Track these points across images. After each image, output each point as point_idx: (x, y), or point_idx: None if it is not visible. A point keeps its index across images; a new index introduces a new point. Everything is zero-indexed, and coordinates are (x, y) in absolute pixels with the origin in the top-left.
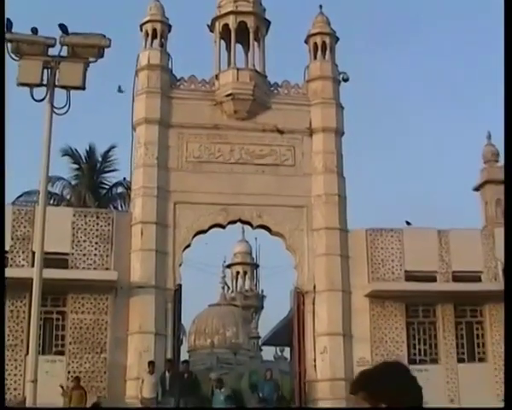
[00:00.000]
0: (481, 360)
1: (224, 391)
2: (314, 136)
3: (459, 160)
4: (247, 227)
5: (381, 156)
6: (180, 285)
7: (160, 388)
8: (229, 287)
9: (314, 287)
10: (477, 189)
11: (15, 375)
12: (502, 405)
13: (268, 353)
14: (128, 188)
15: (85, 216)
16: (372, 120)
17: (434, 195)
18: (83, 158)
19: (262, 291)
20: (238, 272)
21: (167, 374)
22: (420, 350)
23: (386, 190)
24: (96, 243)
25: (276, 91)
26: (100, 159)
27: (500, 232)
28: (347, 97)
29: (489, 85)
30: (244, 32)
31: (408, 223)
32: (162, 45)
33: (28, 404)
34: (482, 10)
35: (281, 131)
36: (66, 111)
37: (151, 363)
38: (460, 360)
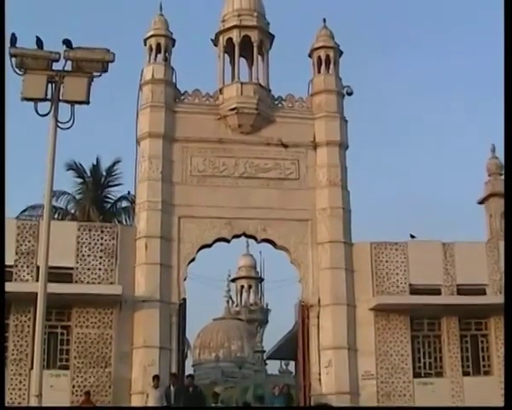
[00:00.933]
0: (486, 373)
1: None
2: (318, 149)
3: (463, 173)
4: (251, 241)
5: (385, 169)
6: (185, 299)
7: (165, 402)
8: (233, 301)
9: (319, 300)
10: (481, 202)
11: (20, 389)
12: None
13: (273, 366)
14: (132, 202)
15: (90, 230)
16: (376, 132)
17: (439, 208)
18: (87, 172)
19: (267, 305)
20: (243, 286)
21: (172, 388)
22: (425, 363)
23: (391, 203)
24: (101, 258)
25: (280, 105)
26: (104, 173)
27: None
28: (351, 110)
29: (494, 97)
30: (248, 46)
31: (412, 236)
32: (166, 59)
33: None
34: (485, 16)
35: (285, 145)
36: (71, 125)
37: (156, 377)
38: (465, 374)
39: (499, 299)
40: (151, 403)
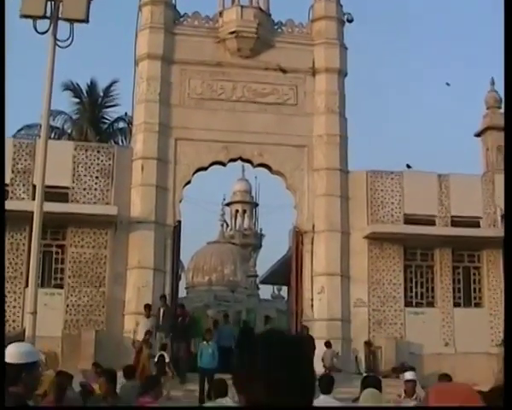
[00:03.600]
0: (477, 305)
1: (212, 345)
2: (317, 76)
3: (462, 105)
4: (247, 166)
5: (383, 99)
6: (179, 222)
7: (155, 323)
8: (228, 225)
9: (313, 227)
10: (478, 135)
11: (14, 307)
12: (496, 350)
13: (265, 291)
14: (129, 123)
15: (86, 150)
16: (375, 62)
17: (436, 139)
18: (84, 92)
19: (261, 230)
20: (237, 211)
21: (161, 310)
22: (417, 293)
23: (388, 133)
24: (97, 178)
25: (279, 30)
26: (101, 93)
27: (500, 179)
28: (351, 38)
29: (494, 30)
30: None
31: (408, 166)
32: None
33: (27, 336)
34: None
35: (284, 70)
36: (70, 44)
37: (147, 306)
38: (456, 305)
39: (493, 232)
40: (141, 332)
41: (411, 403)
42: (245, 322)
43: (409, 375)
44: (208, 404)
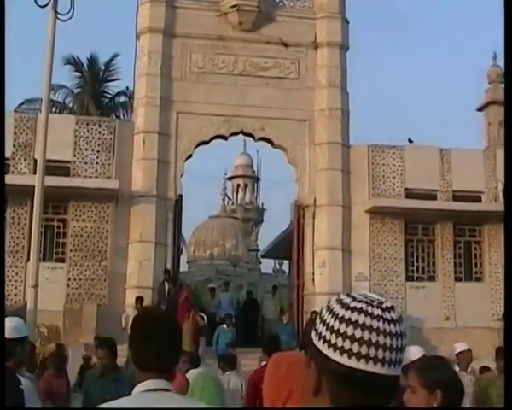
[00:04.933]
0: (478, 279)
1: (231, 330)
2: (319, 50)
3: (464, 80)
4: (248, 140)
5: (385, 73)
6: (181, 196)
7: (157, 298)
8: (229, 199)
9: (314, 201)
10: (480, 109)
11: (16, 281)
12: (497, 324)
13: (267, 265)
14: (131, 97)
15: (88, 124)
16: (378, 35)
17: (438, 113)
18: (85, 66)
19: (262, 204)
20: (239, 185)
21: (166, 285)
22: (418, 267)
23: (391, 107)
24: (98, 152)
25: (281, 4)
26: (102, 67)
27: (502, 153)
28: (353, 12)
29: (496, 3)
30: None
31: (410, 141)
32: None
33: (29, 309)
34: None
35: (285, 44)
36: (70, 17)
37: (139, 299)
38: (457, 279)
39: (494, 206)
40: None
41: (467, 377)
42: (249, 293)
43: (461, 346)
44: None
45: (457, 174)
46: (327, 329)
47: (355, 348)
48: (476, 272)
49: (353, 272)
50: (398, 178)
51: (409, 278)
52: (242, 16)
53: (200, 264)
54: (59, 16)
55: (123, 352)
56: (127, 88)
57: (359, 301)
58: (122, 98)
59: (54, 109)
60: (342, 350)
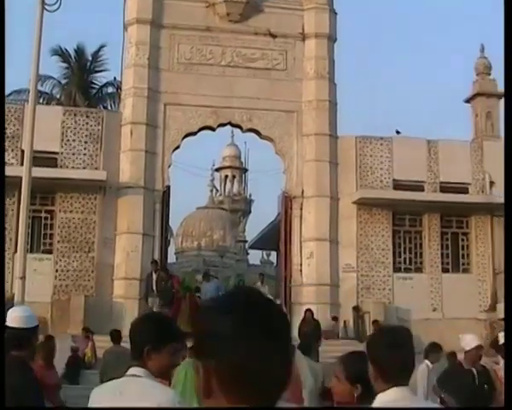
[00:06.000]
0: (465, 270)
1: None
2: (306, 41)
3: (452, 71)
4: (236, 132)
5: (373, 64)
6: (169, 187)
7: (145, 289)
8: (217, 190)
9: (302, 192)
10: (468, 101)
11: (3, 273)
12: (483, 316)
13: (254, 257)
14: (118, 88)
15: (75, 115)
16: (366, 26)
17: (426, 105)
18: (73, 57)
19: (250, 195)
20: (227, 176)
21: (154, 275)
22: (405, 259)
23: (378, 99)
24: (86, 143)
25: None
26: (90, 58)
27: (489, 145)
28: (341, 3)
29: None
30: None
31: (398, 132)
32: None
33: (16, 301)
34: None
35: (273, 35)
36: (58, 8)
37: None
38: (444, 270)
39: (481, 198)
40: None
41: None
42: (240, 281)
43: (470, 341)
44: None
45: (445, 166)
46: None
47: None
48: (463, 264)
49: (341, 264)
50: (386, 169)
51: (396, 270)
52: (230, 7)
53: (187, 255)
54: (46, 7)
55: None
56: (115, 79)
57: None
58: (110, 89)
59: (41, 100)
60: None
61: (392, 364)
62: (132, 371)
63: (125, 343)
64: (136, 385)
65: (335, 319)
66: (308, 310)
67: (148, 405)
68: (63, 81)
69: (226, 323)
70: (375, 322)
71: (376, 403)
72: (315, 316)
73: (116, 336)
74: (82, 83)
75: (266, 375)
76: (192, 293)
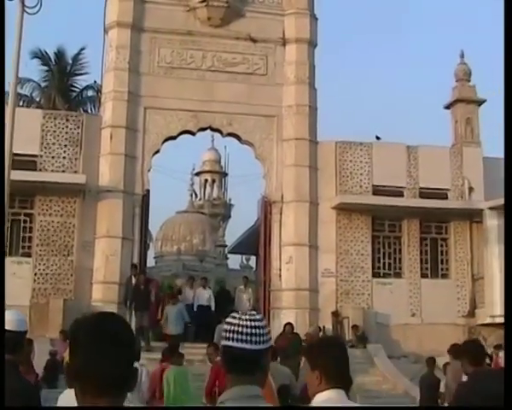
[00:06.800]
0: (444, 276)
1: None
2: (287, 46)
3: (432, 77)
4: (216, 136)
5: (353, 70)
6: (148, 191)
7: (124, 293)
8: (197, 195)
9: (282, 197)
10: (448, 107)
11: None
12: (462, 321)
13: (234, 261)
14: (98, 91)
15: (55, 118)
16: (346, 32)
17: (406, 110)
18: (53, 60)
19: (230, 200)
20: (206, 180)
21: (133, 279)
22: (384, 264)
23: (358, 104)
24: (65, 146)
25: None
26: (70, 61)
27: (468, 151)
28: (322, 9)
29: (465, 3)
30: None
31: (378, 138)
32: None
33: None
34: None
35: (254, 40)
36: (38, 10)
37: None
38: (423, 276)
39: (460, 204)
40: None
41: None
42: (221, 285)
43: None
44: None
45: (424, 171)
46: (224, 331)
47: (232, 335)
48: (442, 269)
49: (320, 269)
50: (366, 174)
51: (375, 275)
52: (211, 11)
53: (167, 259)
54: (26, 9)
55: None
56: (95, 82)
57: (240, 315)
58: (90, 92)
59: (21, 103)
60: (227, 338)
61: (330, 370)
62: None
63: None
64: None
65: (321, 329)
66: (288, 324)
67: None
68: (43, 84)
69: (78, 334)
70: (354, 327)
71: (314, 401)
72: (294, 322)
73: None
74: (62, 86)
75: (100, 375)
76: (173, 293)
